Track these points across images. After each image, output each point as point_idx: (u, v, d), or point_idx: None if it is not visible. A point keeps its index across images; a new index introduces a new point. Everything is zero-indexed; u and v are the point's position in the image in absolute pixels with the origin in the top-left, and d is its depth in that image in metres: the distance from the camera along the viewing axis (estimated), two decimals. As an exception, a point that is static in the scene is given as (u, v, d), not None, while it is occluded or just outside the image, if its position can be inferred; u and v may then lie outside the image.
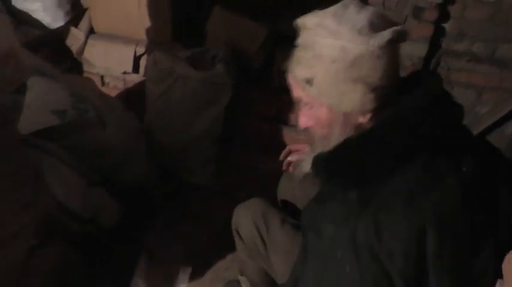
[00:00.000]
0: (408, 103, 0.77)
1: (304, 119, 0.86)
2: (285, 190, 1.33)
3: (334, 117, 0.81)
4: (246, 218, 1.21)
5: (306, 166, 0.98)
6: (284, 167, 1.30)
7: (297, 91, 0.85)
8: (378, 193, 0.76)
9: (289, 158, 1.30)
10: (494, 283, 0.75)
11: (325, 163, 0.82)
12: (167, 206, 1.80)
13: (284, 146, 2.00)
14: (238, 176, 1.92)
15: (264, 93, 2.03)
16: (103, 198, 1.61)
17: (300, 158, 1.28)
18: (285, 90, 1.98)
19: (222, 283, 1.52)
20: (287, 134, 2.02)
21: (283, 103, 2.02)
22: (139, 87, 2.02)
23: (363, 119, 0.80)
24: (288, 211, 1.27)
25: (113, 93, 2.08)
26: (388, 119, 0.77)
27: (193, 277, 1.57)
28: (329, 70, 0.76)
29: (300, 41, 0.82)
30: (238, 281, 1.42)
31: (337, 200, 0.82)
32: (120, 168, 1.71)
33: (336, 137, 0.81)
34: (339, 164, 0.80)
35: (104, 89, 2.04)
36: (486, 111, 1.96)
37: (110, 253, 1.61)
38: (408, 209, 0.73)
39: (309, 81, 0.80)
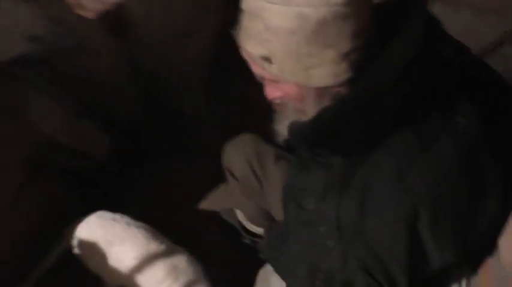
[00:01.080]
0: (390, 59, 0.64)
1: (271, 90, 0.74)
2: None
3: (305, 93, 0.69)
4: (237, 155, 1.15)
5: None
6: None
7: (256, 69, 0.71)
8: (362, 166, 0.67)
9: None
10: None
11: (302, 132, 0.72)
12: (158, 138, 1.74)
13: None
14: (232, 106, 1.84)
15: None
16: (91, 130, 1.55)
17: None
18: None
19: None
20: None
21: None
22: (120, 8, 1.86)
23: (340, 89, 0.67)
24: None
25: (92, 16, 1.91)
26: (369, 82, 0.64)
27: (188, 209, 1.55)
28: (288, 44, 0.62)
29: (243, 5, 0.67)
30: (232, 210, 1.41)
31: (316, 172, 0.74)
32: (106, 98, 1.63)
33: (312, 110, 0.69)
34: (318, 134, 0.69)
35: (82, 12, 1.88)
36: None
37: (99, 187, 1.58)
38: (397, 188, 0.64)
39: (267, 59, 0.66)
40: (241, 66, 2.02)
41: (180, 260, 1.11)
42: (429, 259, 0.66)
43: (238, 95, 1.81)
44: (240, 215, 1.37)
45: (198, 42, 1.71)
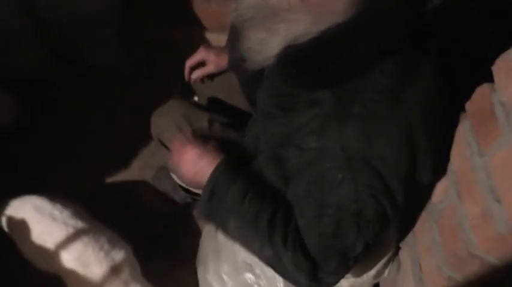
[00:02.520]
0: None
1: None
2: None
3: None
4: (166, 123, 1.10)
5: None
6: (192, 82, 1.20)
7: None
8: (358, 93, 0.70)
9: (193, 77, 1.17)
10: None
11: (294, 57, 0.71)
12: (72, 95, 1.61)
13: (196, 17, 1.85)
14: (150, 52, 1.73)
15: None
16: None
17: (206, 72, 1.17)
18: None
19: (152, 170, 1.48)
20: (198, 3, 1.83)
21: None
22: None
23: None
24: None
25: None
26: (362, 11, 0.67)
27: (118, 167, 1.49)
28: None
29: None
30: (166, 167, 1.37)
31: (307, 112, 0.74)
32: (6, 54, 1.45)
33: (304, 27, 0.69)
34: (309, 59, 0.70)
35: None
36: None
37: (14, 156, 1.46)
38: (394, 111, 0.69)
39: None
40: (150, 9, 1.88)
41: (119, 255, 1.07)
42: (423, 169, 0.73)
43: (152, 39, 1.71)
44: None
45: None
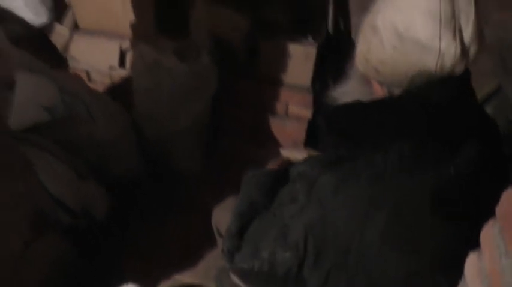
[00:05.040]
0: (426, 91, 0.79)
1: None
2: None
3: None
4: (225, 215, 1.19)
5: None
6: None
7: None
8: (355, 159, 0.78)
9: None
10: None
11: (336, 117, 0.86)
12: (155, 197, 1.83)
13: (270, 134, 2.07)
14: (225, 165, 1.95)
15: (250, 83, 2.06)
16: (94, 191, 1.63)
17: None
18: (271, 80, 2.06)
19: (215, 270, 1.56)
20: (273, 122, 2.06)
21: (269, 93, 2.05)
22: (126, 81, 2.04)
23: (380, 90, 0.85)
24: None
25: (100, 88, 2.09)
26: (400, 95, 0.81)
27: (185, 267, 1.60)
28: None
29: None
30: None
31: (326, 151, 0.86)
32: (110, 162, 1.73)
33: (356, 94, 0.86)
34: (346, 122, 0.84)
35: (90, 85, 2.05)
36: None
37: (98, 246, 1.64)
38: (369, 186, 0.76)
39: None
40: (231, 126, 2.16)
41: None
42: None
43: (230, 152, 1.92)
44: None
45: (195, 109, 1.85)
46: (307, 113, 2.04)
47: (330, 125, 0.86)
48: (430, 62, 0.77)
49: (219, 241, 1.29)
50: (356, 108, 0.84)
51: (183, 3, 2.22)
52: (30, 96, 1.42)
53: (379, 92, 0.87)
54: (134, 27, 2.06)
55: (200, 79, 1.82)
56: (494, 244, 0.72)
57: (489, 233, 0.75)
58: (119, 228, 1.70)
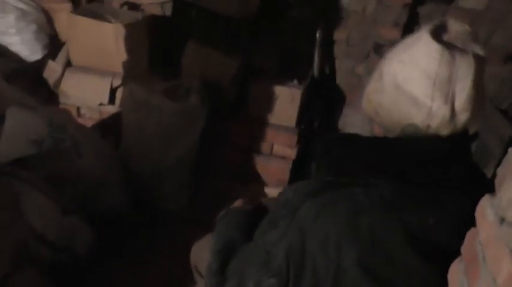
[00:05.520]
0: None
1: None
2: None
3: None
4: (204, 255, 1.18)
5: None
6: None
7: None
8: (342, 187, 0.82)
9: None
10: None
11: (335, 142, 0.92)
12: (140, 234, 1.83)
13: (255, 173, 2.10)
14: (211, 203, 1.96)
15: (238, 124, 2.12)
16: (78, 226, 1.63)
17: None
18: (258, 120, 2.11)
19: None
20: (258, 161, 2.10)
21: (255, 133, 2.11)
22: (115, 117, 2.08)
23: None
24: None
25: (89, 124, 2.12)
26: (394, 140, 0.86)
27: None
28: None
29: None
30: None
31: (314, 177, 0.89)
32: (95, 196, 1.74)
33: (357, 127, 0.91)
34: (341, 148, 0.89)
35: (80, 120, 2.09)
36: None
37: (81, 282, 1.62)
38: (346, 218, 0.79)
39: None
40: (218, 164, 2.20)
41: None
42: None
43: (215, 190, 1.95)
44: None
45: (182, 147, 1.88)
46: (291, 152, 2.10)
47: (327, 148, 0.91)
48: (418, 118, 0.82)
49: (198, 280, 1.28)
50: (354, 139, 0.90)
51: (175, 45, 2.32)
52: (19, 129, 1.44)
53: (378, 133, 0.93)
54: (126, 66, 2.13)
55: (188, 118, 1.86)
56: (459, 281, 0.75)
57: (455, 271, 0.78)
58: (101, 264, 1.69)
